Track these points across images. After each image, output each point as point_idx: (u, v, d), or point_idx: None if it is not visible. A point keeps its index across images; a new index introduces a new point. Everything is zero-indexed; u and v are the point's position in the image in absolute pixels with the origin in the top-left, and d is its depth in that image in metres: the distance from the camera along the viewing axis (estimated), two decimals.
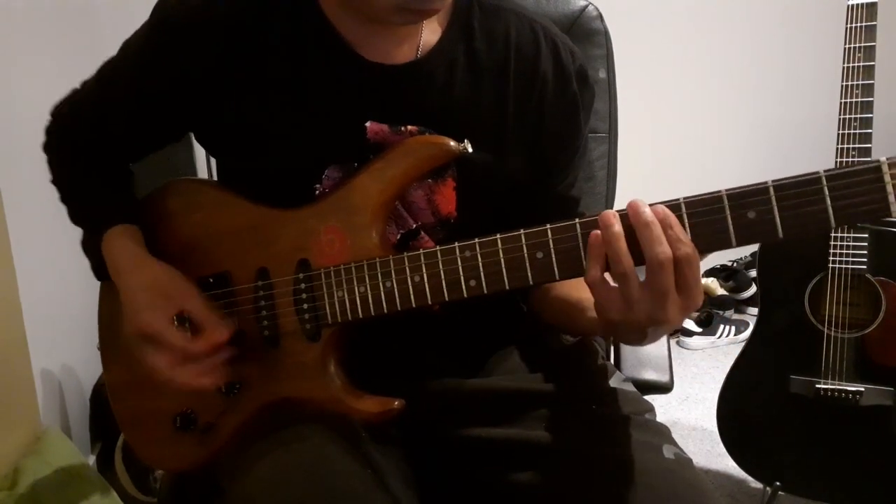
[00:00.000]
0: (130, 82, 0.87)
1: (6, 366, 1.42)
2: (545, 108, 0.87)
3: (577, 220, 0.67)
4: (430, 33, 0.84)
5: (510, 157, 0.86)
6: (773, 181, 0.61)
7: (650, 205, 0.64)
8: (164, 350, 0.79)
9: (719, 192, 0.63)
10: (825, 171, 0.60)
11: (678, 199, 0.64)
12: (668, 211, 0.63)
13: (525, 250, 0.69)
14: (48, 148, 0.97)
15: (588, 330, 0.85)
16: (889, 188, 0.58)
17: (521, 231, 0.70)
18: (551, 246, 0.68)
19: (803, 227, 0.61)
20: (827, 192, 0.59)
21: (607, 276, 0.67)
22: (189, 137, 0.93)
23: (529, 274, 0.70)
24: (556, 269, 0.69)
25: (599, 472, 0.77)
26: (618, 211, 0.65)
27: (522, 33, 0.87)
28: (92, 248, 0.89)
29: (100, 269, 0.89)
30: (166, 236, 0.89)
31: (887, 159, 0.57)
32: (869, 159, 0.58)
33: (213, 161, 0.93)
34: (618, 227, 0.64)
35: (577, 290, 0.85)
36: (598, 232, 0.65)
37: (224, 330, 0.80)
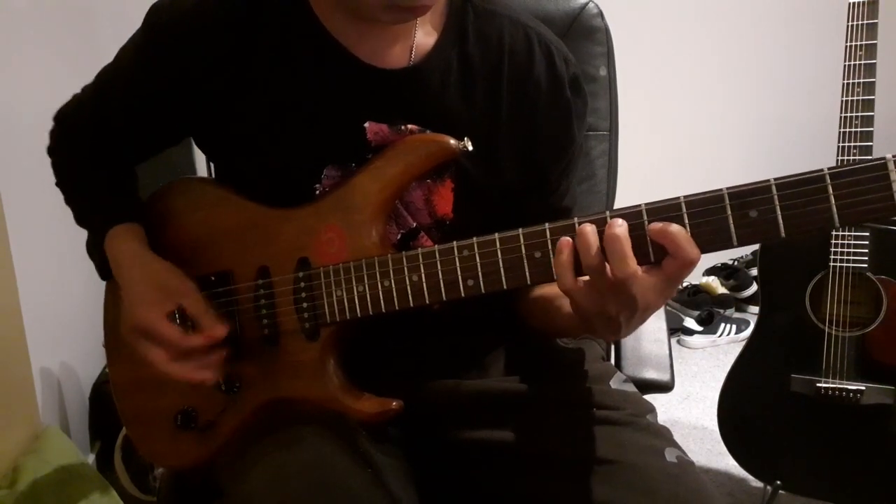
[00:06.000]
0: (126, 87, 0.88)
1: (5, 364, 1.42)
2: (538, 114, 0.86)
3: (575, 219, 0.67)
4: (423, 35, 0.84)
5: (504, 163, 0.85)
6: (775, 179, 0.60)
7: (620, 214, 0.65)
8: (160, 344, 0.80)
9: (720, 190, 0.62)
10: (829, 168, 0.58)
11: (678, 198, 0.63)
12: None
13: (523, 250, 0.69)
14: (52, 152, 0.98)
15: (567, 326, 0.84)
16: (895, 187, 0.56)
17: (520, 231, 0.69)
18: (549, 246, 0.68)
19: (806, 226, 0.59)
20: (831, 190, 0.58)
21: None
22: (188, 138, 0.93)
23: (527, 273, 0.69)
24: (553, 269, 0.68)
25: (600, 478, 0.77)
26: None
27: (516, 39, 0.86)
28: (96, 248, 0.90)
29: (104, 268, 0.89)
30: (170, 235, 0.90)
31: (893, 156, 0.56)
32: (874, 157, 0.56)
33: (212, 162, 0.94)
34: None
35: (552, 287, 0.83)
36: (566, 238, 0.66)
37: (220, 327, 0.80)
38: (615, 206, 1.22)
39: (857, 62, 1.35)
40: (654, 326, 1.14)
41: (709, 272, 2.81)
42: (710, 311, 2.63)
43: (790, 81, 2.68)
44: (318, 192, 0.83)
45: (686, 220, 0.63)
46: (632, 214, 0.64)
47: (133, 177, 0.98)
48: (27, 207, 1.51)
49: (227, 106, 0.83)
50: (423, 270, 0.74)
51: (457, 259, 0.72)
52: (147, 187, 0.96)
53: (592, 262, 0.64)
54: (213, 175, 0.97)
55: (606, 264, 0.64)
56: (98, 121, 0.91)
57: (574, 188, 0.94)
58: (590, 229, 0.64)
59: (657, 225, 0.63)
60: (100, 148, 0.93)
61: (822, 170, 0.58)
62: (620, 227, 0.63)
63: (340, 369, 0.82)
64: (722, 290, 2.74)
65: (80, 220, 0.95)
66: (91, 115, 0.92)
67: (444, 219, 0.85)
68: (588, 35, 1.21)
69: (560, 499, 0.78)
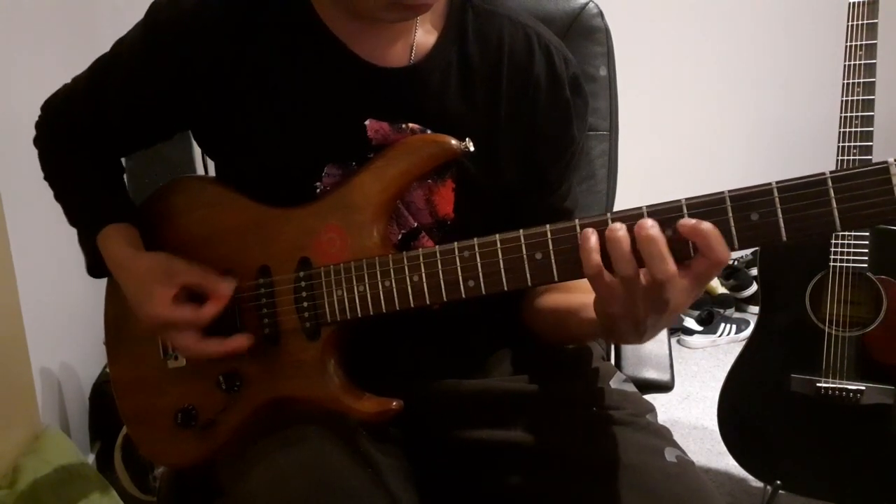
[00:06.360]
0: (122, 82, 0.88)
1: (5, 364, 1.42)
2: (538, 114, 0.86)
3: (576, 220, 0.67)
4: (423, 34, 0.84)
5: (504, 163, 0.85)
6: (776, 182, 0.59)
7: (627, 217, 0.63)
8: (183, 330, 0.80)
9: (722, 193, 0.61)
10: (831, 172, 0.58)
11: (679, 200, 0.63)
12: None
13: (524, 251, 0.69)
14: (38, 142, 0.97)
15: (582, 333, 0.84)
16: None
17: (521, 232, 0.69)
18: (550, 247, 0.68)
19: (808, 230, 0.59)
20: (832, 194, 0.58)
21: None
22: (188, 136, 0.93)
23: (528, 275, 0.69)
24: (554, 270, 0.68)
25: (600, 477, 0.77)
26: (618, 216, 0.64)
27: (516, 38, 0.86)
28: (86, 246, 0.90)
29: (93, 266, 0.89)
30: (170, 234, 0.90)
31: (895, 160, 0.55)
32: (876, 161, 0.56)
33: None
34: (622, 231, 0.63)
35: (566, 296, 0.85)
36: (591, 229, 0.64)
37: (225, 284, 0.81)
38: (615, 207, 1.23)
39: (857, 62, 1.36)
40: None
41: None
42: (710, 310, 2.64)
43: (790, 82, 2.68)
44: (318, 190, 0.83)
45: None
46: (633, 217, 0.64)
47: (120, 171, 0.97)
48: (27, 207, 1.51)
49: (226, 104, 0.83)
50: (423, 271, 0.74)
51: (457, 260, 0.72)
52: (147, 187, 0.96)
53: (627, 269, 0.62)
54: (213, 173, 0.97)
55: (640, 269, 0.62)
56: (89, 112, 0.91)
57: (575, 189, 0.94)
58: (622, 234, 0.62)
59: (689, 221, 0.61)
60: (90, 140, 0.92)
61: (823, 173, 0.58)
62: (653, 227, 0.61)
63: (341, 369, 0.82)
64: (722, 289, 2.75)
65: (71, 219, 0.94)
66: (82, 105, 0.91)
67: (446, 219, 0.85)
68: (588, 35, 1.21)
69: (560, 498, 0.78)
